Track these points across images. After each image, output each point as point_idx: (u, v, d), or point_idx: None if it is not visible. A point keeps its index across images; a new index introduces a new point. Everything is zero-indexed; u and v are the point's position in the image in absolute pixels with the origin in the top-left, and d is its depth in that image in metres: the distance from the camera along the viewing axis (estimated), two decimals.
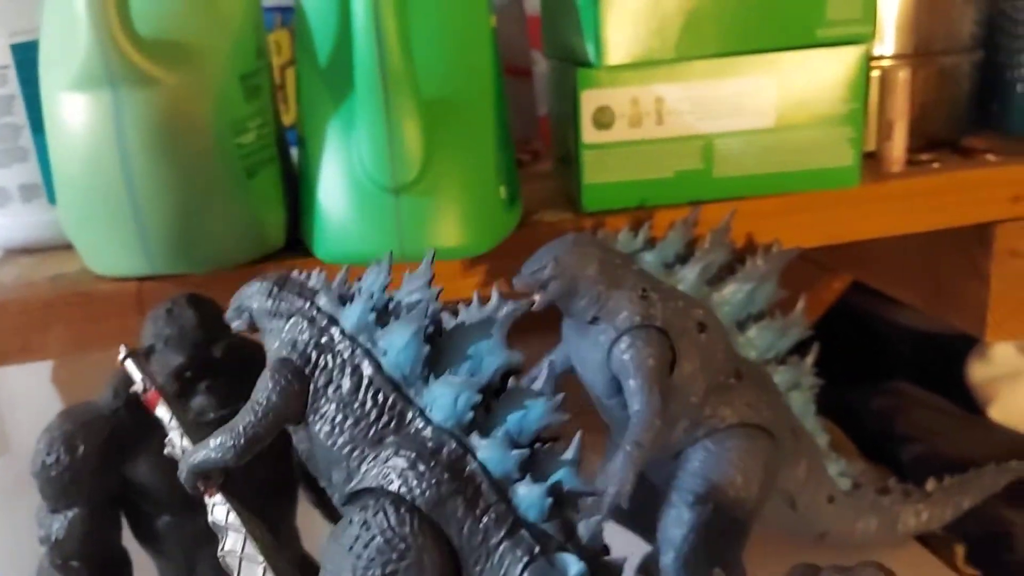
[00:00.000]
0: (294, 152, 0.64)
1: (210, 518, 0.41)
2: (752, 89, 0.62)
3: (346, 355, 0.43)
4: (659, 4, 0.60)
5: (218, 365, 0.50)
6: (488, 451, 0.40)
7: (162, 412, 0.46)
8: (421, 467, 0.39)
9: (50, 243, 0.65)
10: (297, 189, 0.62)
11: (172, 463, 0.50)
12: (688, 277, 0.60)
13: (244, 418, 0.43)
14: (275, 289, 0.45)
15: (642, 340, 0.57)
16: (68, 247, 0.63)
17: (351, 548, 0.39)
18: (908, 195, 0.68)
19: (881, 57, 0.73)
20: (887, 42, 0.73)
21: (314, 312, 0.44)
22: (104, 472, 0.49)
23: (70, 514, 0.49)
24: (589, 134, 0.62)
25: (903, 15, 0.73)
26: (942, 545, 0.73)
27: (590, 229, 0.60)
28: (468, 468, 0.40)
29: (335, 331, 0.43)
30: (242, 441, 0.42)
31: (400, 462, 0.40)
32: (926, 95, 0.74)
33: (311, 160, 0.56)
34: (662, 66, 0.61)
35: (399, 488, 0.39)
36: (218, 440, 0.42)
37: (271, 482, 0.53)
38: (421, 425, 0.41)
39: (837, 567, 0.40)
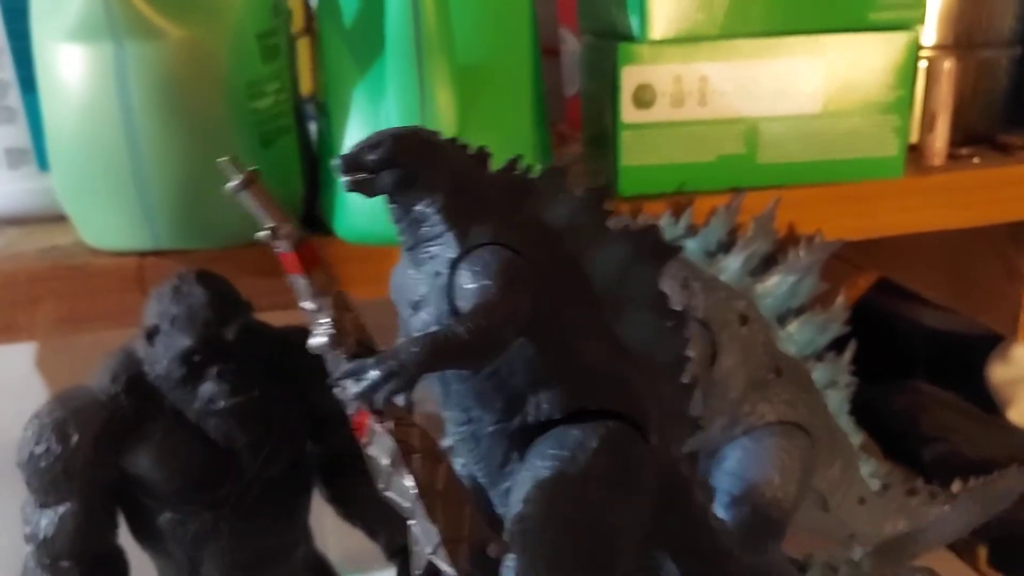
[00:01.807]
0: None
1: (369, 451, 0.31)
2: (799, 72, 0.59)
3: None
4: None
5: (230, 348, 0.45)
6: None
7: (303, 283, 0.34)
8: None
9: (39, 213, 0.60)
10: (314, 162, 0.57)
11: (179, 454, 0.46)
12: (731, 266, 0.57)
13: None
14: None
15: None
16: (60, 218, 0.58)
17: None
18: (949, 189, 0.66)
19: (922, 48, 0.70)
20: (928, 33, 0.70)
21: None
22: (99, 464, 0.45)
23: (61, 509, 0.45)
24: (629, 113, 0.58)
25: (945, 6, 0.70)
26: (965, 547, 0.73)
27: (627, 214, 0.56)
28: None
29: None
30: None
31: None
32: (965, 88, 0.71)
33: (334, 131, 0.52)
34: (707, 43, 0.57)
35: None
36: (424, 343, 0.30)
37: (287, 478, 0.49)
38: None
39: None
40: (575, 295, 0.34)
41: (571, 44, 0.78)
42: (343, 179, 0.33)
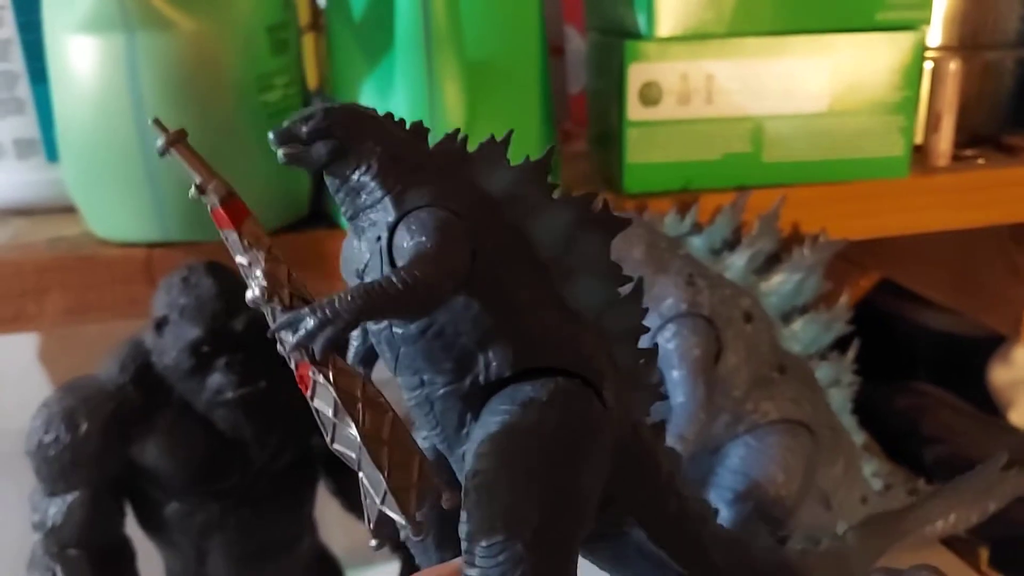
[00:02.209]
0: None
1: (315, 404, 0.30)
2: (806, 71, 0.59)
3: None
4: None
5: (238, 339, 0.45)
6: None
7: (234, 238, 0.32)
8: None
9: (46, 204, 0.60)
10: None
11: (186, 444, 0.46)
12: (736, 264, 0.57)
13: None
14: None
15: (688, 329, 0.54)
16: (67, 209, 0.58)
17: None
18: (954, 190, 0.66)
19: (928, 49, 0.70)
20: (934, 34, 0.70)
21: None
22: (108, 453, 0.45)
23: (69, 498, 0.45)
24: (635, 111, 0.58)
25: (951, 7, 0.70)
26: (966, 548, 0.73)
27: (634, 211, 0.57)
28: None
29: None
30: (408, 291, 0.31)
31: None
32: (970, 89, 0.71)
33: None
34: (714, 41, 0.58)
35: None
36: (355, 294, 0.30)
37: (293, 470, 0.49)
38: None
39: (889, 569, 0.39)
40: (519, 258, 0.34)
41: (575, 42, 0.79)
42: (279, 152, 0.32)
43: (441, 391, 0.33)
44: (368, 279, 0.32)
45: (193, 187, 0.32)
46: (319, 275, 0.54)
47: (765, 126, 0.59)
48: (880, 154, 0.61)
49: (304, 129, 0.32)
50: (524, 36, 0.53)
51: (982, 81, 0.73)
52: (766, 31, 0.58)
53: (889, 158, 0.61)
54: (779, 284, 0.58)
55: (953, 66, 0.66)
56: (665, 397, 0.41)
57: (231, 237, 0.32)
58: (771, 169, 0.60)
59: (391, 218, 0.33)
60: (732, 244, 0.58)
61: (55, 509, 0.45)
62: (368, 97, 0.51)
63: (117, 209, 0.51)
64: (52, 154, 0.59)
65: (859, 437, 0.64)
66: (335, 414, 0.29)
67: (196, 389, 0.45)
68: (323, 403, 0.30)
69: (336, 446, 0.29)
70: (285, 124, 0.33)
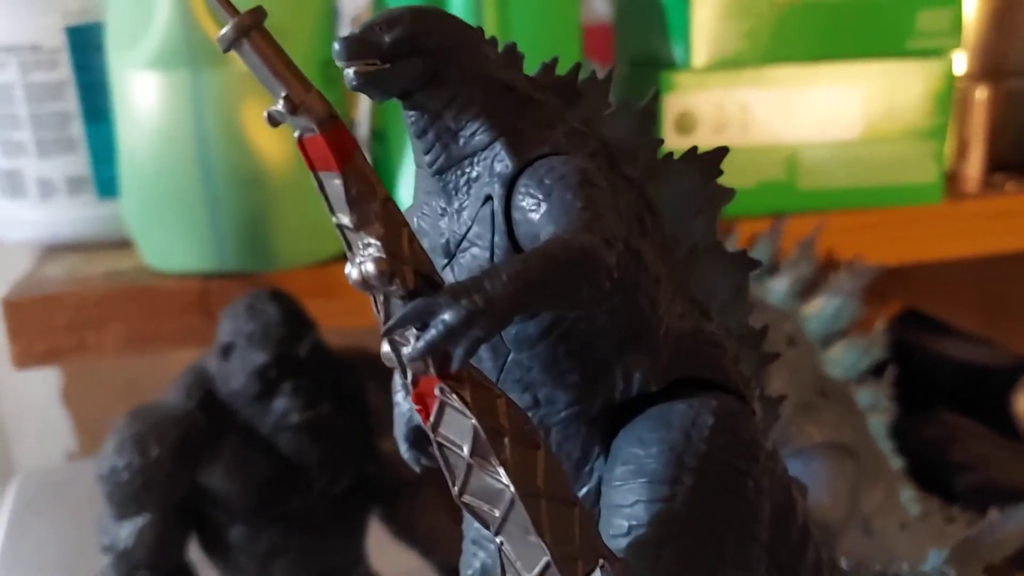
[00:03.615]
0: None
1: (440, 434, 0.22)
2: (838, 98, 0.60)
3: None
4: (750, 6, 0.58)
5: (302, 364, 0.46)
6: None
7: (337, 185, 0.22)
8: None
9: (97, 239, 0.62)
10: None
11: (250, 468, 0.47)
12: (776, 289, 0.58)
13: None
14: None
15: None
16: (118, 244, 0.60)
17: None
18: (985, 216, 0.67)
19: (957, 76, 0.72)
20: (960, 62, 0.72)
21: None
22: (177, 477, 0.46)
23: (140, 521, 0.46)
24: (671, 139, 0.59)
25: (977, 35, 0.72)
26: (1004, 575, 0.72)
27: None
28: None
29: None
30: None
31: None
32: (997, 116, 0.73)
33: (392, 155, 0.54)
34: (749, 71, 0.59)
35: None
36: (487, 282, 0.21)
37: (351, 496, 0.50)
38: None
39: None
40: (649, 234, 0.26)
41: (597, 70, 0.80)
42: (348, 70, 0.24)
43: (563, 413, 0.26)
44: (473, 251, 0.25)
45: (278, 106, 0.22)
46: (366, 310, 0.55)
47: (799, 154, 0.61)
48: (913, 180, 0.63)
49: (387, 38, 0.24)
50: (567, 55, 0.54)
51: (1009, 108, 0.74)
52: (799, 60, 0.59)
53: (922, 184, 0.63)
54: (819, 309, 0.59)
55: (980, 94, 0.68)
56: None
57: (332, 182, 0.22)
58: (806, 196, 0.61)
59: (508, 168, 0.24)
60: (771, 269, 0.59)
61: (126, 532, 0.46)
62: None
63: (176, 240, 0.52)
64: (103, 191, 0.60)
65: (896, 463, 0.64)
66: (473, 452, 0.22)
67: (261, 414, 0.46)
68: (454, 435, 0.22)
69: (468, 498, 0.22)
70: (357, 30, 0.24)
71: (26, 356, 0.52)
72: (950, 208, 0.65)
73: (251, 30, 0.22)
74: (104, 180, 0.60)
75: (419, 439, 0.30)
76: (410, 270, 0.22)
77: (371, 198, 0.22)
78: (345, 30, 0.71)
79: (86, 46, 0.58)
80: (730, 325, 0.28)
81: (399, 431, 0.31)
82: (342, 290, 0.55)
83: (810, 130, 0.61)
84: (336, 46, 0.24)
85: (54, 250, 0.62)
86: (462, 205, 0.25)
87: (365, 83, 0.24)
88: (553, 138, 0.25)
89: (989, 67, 0.72)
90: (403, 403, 0.31)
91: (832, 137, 0.61)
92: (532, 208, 0.24)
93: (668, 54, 0.60)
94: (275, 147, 0.50)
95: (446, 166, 0.25)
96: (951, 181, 0.68)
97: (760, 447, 0.26)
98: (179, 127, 0.49)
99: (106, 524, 0.46)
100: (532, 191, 0.24)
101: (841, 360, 0.60)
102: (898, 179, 0.62)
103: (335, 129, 0.22)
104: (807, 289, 0.59)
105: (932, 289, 0.84)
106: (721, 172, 0.28)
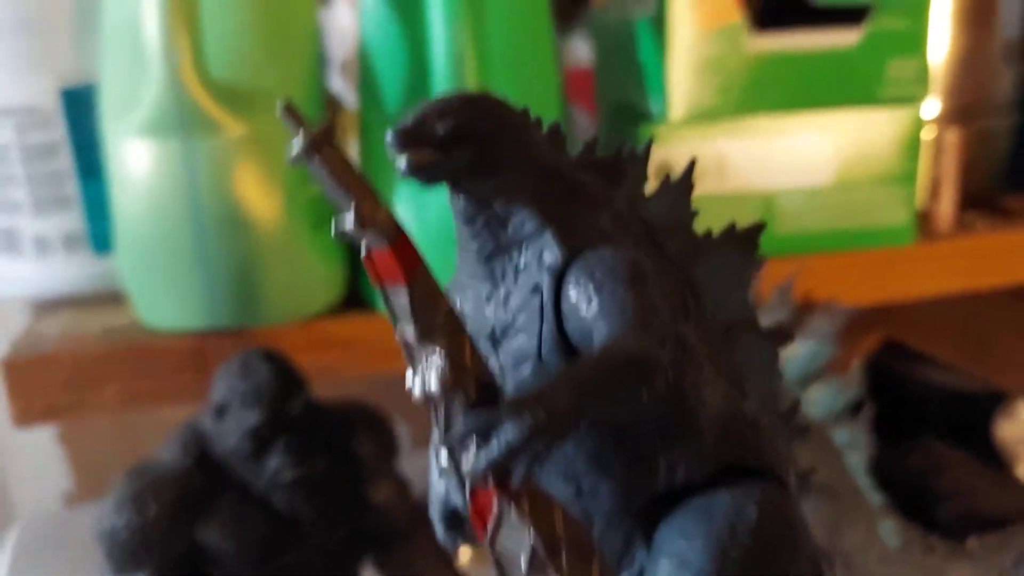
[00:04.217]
0: None
1: (498, 543, 0.22)
2: (812, 146, 0.62)
3: None
4: (724, 61, 0.59)
5: (294, 422, 0.48)
6: None
7: (403, 299, 0.23)
8: None
9: (91, 295, 0.63)
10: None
11: (246, 524, 0.48)
12: None
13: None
14: None
15: None
16: (112, 299, 0.61)
17: None
18: (958, 255, 0.69)
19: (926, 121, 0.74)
20: (931, 105, 0.74)
21: None
22: (175, 535, 0.47)
23: None
24: (650, 188, 0.61)
25: (946, 80, 0.74)
26: None
27: None
28: None
29: None
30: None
31: None
32: (967, 156, 0.75)
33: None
34: (724, 122, 0.61)
35: None
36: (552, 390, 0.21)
37: (346, 548, 0.51)
38: None
39: None
40: (691, 316, 0.26)
41: (580, 118, 0.82)
42: (400, 159, 0.24)
43: (606, 504, 0.25)
44: (519, 339, 0.25)
45: (344, 220, 0.22)
46: (356, 362, 0.57)
47: (776, 200, 0.63)
48: (886, 223, 0.64)
49: (439, 128, 0.24)
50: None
51: (978, 147, 0.76)
52: (773, 110, 0.61)
53: (894, 226, 0.65)
54: (795, 352, 0.60)
55: (951, 137, 0.70)
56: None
57: (398, 295, 0.22)
58: (783, 241, 0.63)
59: (558, 259, 0.25)
60: None
61: None
62: (404, 187, 0.54)
63: (170, 299, 0.54)
64: (98, 246, 0.62)
65: (875, 498, 0.65)
66: (531, 566, 0.22)
67: (256, 471, 0.48)
68: (512, 547, 0.22)
69: None
70: (409, 120, 0.24)
71: (26, 414, 0.54)
72: (923, 248, 0.67)
73: (323, 145, 0.22)
74: (99, 236, 0.62)
75: (456, 521, 0.30)
76: (472, 381, 0.22)
77: (435, 310, 0.22)
78: (335, 79, 0.74)
79: (80, 107, 0.59)
80: (764, 400, 0.28)
81: (435, 513, 0.31)
82: (331, 343, 0.57)
83: (785, 177, 0.62)
84: (389, 136, 0.24)
85: (49, 305, 0.63)
86: (509, 292, 0.26)
87: (417, 171, 0.24)
88: (601, 225, 0.25)
89: (958, 110, 0.74)
90: (438, 484, 0.30)
91: (807, 183, 0.63)
92: (583, 302, 0.24)
93: (646, 106, 0.62)
94: (265, 208, 0.52)
95: (494, 253, 0.26)
96: (925, 221, 0.70)
97: (801, 535, 0.26)
98: (172, 191, 0.51)
99: None
100: (582, 284, 0.24)
101: (818, 401, 0.61)
102: (871, 222, 0.64)
103: (403, 243, 0.23)
104: None
105: (909, 324, 0.86)
106: (759, 248, 0.29)
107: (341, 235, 0.23)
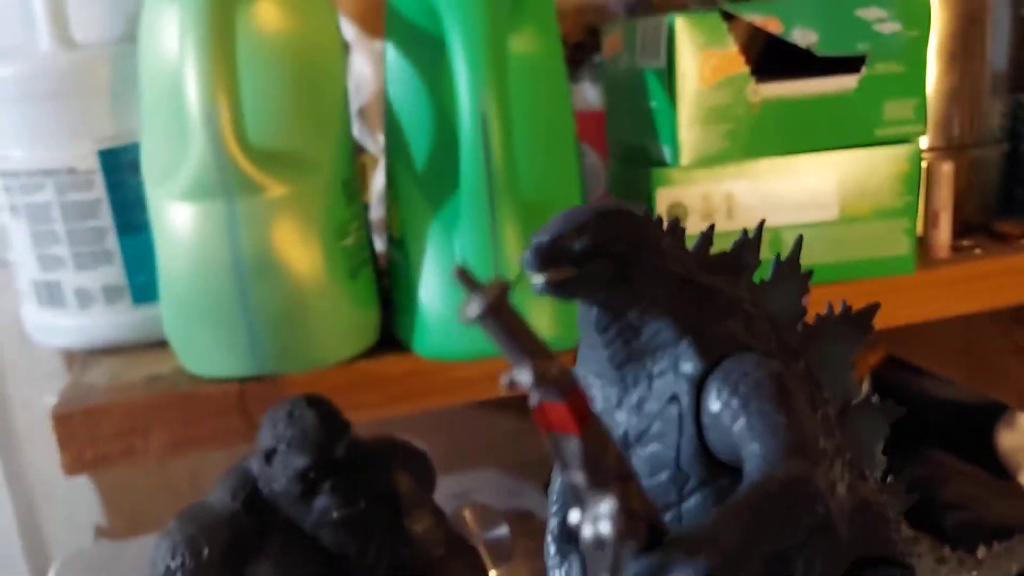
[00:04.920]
0: None
1: None
2: (816, 185, 0.65)
3: None
4: (730, 108, 0.63)
5: (339, 464, 0.50)
6: None
7: (575, 447, 0.23)
8: None
9: (132, 343, 0.66)
10: (381, 282, 0.64)
11: (295, 563, 0.51)
12: None
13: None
14: None
15: None
16: (152, 346, 0.64)
17: None
18: (956, 280, 0.72)
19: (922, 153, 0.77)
20: (925, 137, 0.77)
21: None
22: (228, 575, 0.50)
23: None
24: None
25: (938, 111, 0.77)
26: None
27: None
28: None
29: None
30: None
31: None
32: (961, 184, 0.78)
33: (411, 260, 0.58)
34: (732, 165, 0.64)
35: None
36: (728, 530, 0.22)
37: None
38: None
39: None
40: (818, 410, 0.26)
41: (590, 157, 0.85)
42: (537, 278, 0.25)
43: None
44: (653, 447, 0.25)
45: (521, 376, 0.22)
46: (393, 402, 0.60)
47: (782, 235, 0.66)
48: (887, 254, 0.67)
49: (576, 245, 0.24)
50: (567, 173, 0.60)
51: (970, 175, 0.79)
52: (777, 153, 0.64)
53: (896, 257, 0.67)
54: None
55: (946, 168, 0.73)
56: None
57: (569, 444, 0.23)
58: None
59: (696, 370, 0.25)
60: None
61: None
62: (435, 237, 0.57)
63: (214, 350, 0.56)
64: (137, 298, 0.65)
65: None
66: None
67: (303, 512, 0.50)
68: None
69: None
70: (546, 238, 0.24)
71: (77, 464, 0.56)
72: (923, 275, 0.70)
73: (500, 307, 0.22)
74: (138, 288, 0.65)
75: None
76: (644, 525, 0.22)
77: (606, 458, 0.23)
78: (354, 127, 0.77)
79: (117, 167, 0.62)
80: (878, 476, 0.28)
81: None
82: (368, 384, 0.60)
83: (791, 214, 0.66)
84: (527, 255, 0.25)
85: (94, 354, 0.66)
86: (643, 399, 0.26)
87: (555, 289, 0.25)
88: (735, 331, 0.26)
89: (951, 141, 0.77)
90: (556, 571, 0.30)
91: (811, 219, 0.66)
92: (728, 417, 0.24)
93: (658, 149, 0.65)
94: (303, 261, 0.55)
95: (627, 360, 0.26)
96: (923, 248, 0.73)
97: None
98: (214, 248, 0.53)
99: None
100: (726, 398, 0.24)
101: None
102: (874, 253, 0.67)
103: (577, 396, 0.23)
104: None
105: (910, 344, 0.89)
106: (872, 328, 0.28)
107: (513, 387, 0.23)
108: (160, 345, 0.62)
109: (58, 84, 0.61)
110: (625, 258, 0.25)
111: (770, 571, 0.25)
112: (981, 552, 0.72)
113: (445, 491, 0.64)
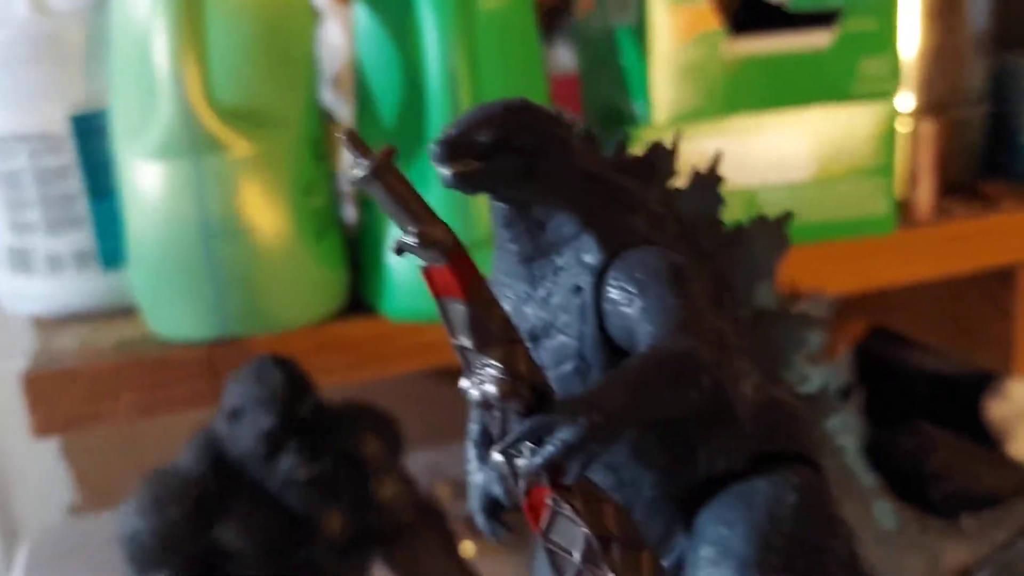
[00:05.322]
0: None
1: (550, 540, 0.23)
2: (792, 143, 0.65)
3: None
4: (703, 65, 0.62)
5: (304, 424, 0.50)
6: None
7: (460, 311, 0.23)
8: None
9: (103, 309, 0.65)
10: (352, 246, 0.63)
11: (261, 523, 0.51)
12: None
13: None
14: None
15: None
16: (122, 312, 0.64)
17: None
18: (939, 241, 0.71)
19: (903, 113, 0.76)
20: (908, 98, 0.76)
21: None
22: (194, 536, 0.49)
23: None
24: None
25: (918, 72, 0.76)
26: None
27: None
28: None
29: None
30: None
31: None
32: (944, 145, 0.77)
33: (378, 221, 0.58)
34: (706, 123, 0.63)
35: None
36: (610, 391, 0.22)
37: (357, 545, 0.54)
38: None
39: None
40: (726, 309, 0.27)
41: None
42: (444, 171, 0.25)
43: (648, 494, 0.26)
44: (560, 338, 0.26)
45: (407, 238, 0.23)
46: (361, 365, 0.60)
47: (758, 196, 0.65)
48: (866, 214, 0.67)
49: (482, 138, 0.24)
50: None
51: (953, 137, 0.78)
52: (752, 110, 0.64)
53: (875, 217, 0.67)
54: None
55: (927, 128, 0.72)
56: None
57: (455, 307, 0.23)
58: None
59: (597, 260, 0.25)
60: None
61: None
62: None
63: (182, 312, 0.56)
64: (108, 263, 0.64)
65: (869, 480, 0.68)
66: (584, 558, 0.23)
67: (269, 472, 0.50)
68: (565, 542, 0.23)
69: None
70: (453, 131, 0.25)
71: (46, 426, 0.56)
72: (904, 236, 0.69)
73: (385, 170, 0.23)
74: (108, 253, 0.64)
75: (495, 510, 0.30)
76: (527, 387, 0.23)
77: (490, 321, 0.23)
78: (327, 93, 0.76)
79: (89, 132, 0.62)
80: (795, 385, 0.29)
81: (475, 503, 0.31)
82: (336, 347, 0.59)
83: (767, 173, 0.65)
84: (433, 147, 0.25)
85: (64, 320, 0.66)
86: (549, 293, 0.26)
87: (461, 182, 0.25)
88: (637, 225, 0.26)
89: (933, 102, 0.76)
90: (477, 476, 0.30)
91: (788, 178, 0.65)
92: (625, 303, 0.25)
93: (631, 110, 0.64)
94: (271, 221, 0.54)
95: (534, 255, 0.26)
96: (905, 209, 0.72)
97: (839, 520, 0.26)
98: (182, 208, 0.53)
99: None
100: (624, 285, 0.25)
101: (808, 387, 0.64)
102: (852, 213, 0.67)
103: (461, 259, 0.23)
104: None
105: (893, 308, 0.88)
106: (788, 237, 0.29)
107: (400, 252, 0.23)
108: (130, 311, 0.62)
109: (34, 50, 0.61)
110: (532, 153, 0.25)
111: (674, 462, 0.26)
112: (966, 521, 0.71)
113: (420, 465, 0.64)
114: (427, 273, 0.23)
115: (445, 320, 0.24)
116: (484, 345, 0.23)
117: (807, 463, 0.27)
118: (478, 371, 0.23)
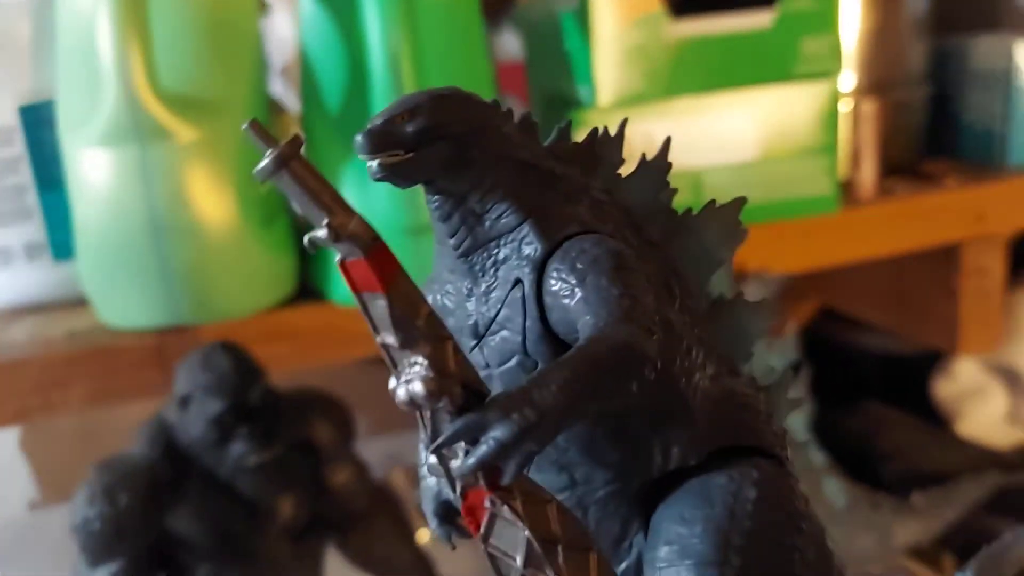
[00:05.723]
0: None
1: (491, 544, 0.22)
2: (736, 124, 0.66)
3: None
4: (646, 47, 0.63)
5: (254, 410, 0.50)
6: None
7: (382, 306, 0.22)
8: None
9: (54, 300, 0.65)
10: (300, 233, 0.63)
11: (212, 510, 0.51)
12: None
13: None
14: None
15: None
16: (74, 304, 0.63)
17: None
18: (881, 220, 0.72)
19: (845, 93, 0.78)
20: (849, 79, 0.78)
21: None
22: (145, 523, 0.50)
23: (113, 567, 0.49)
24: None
25: (860, 53, 0.78)
26: (932, 557, 0.76)
27: None
28: None
29: None
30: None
31: None
32: (886, 125, 0.78)
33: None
34: (651, 105, 0.64)
35: None
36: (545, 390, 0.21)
37: (309, 531, 0.54)
38: None
39: None
40: (676, 299, 0.26)
41: (514, 107, 0.85)
42: (371, 163, 0.24)
43: (601, 492, 0.25)
44: (503, 334, 0.25)
45: (319, 232, 0.22)
46: (311, 352, 0.60)
47: (703, 177, 0.66)
48: (810, 193, 0.68)
49: (409, 128, 0.23)
50: None
51: (895, 117, 0.80)
52: (696, 91, 0.65)
53: (818, 197, 0.68)
54: None
55: (869, 108, 0.74)
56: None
57: (376, 303, 0.22)
58: None
59: (538, 251, 0.24)
60: None
61: None
62: (347, 180, 0.57)
63: (130, 300, 0.56)
64: (59, 254, 0.64)
65: (818, 457, 0.69)
66: (526, 563, 0.21)
67: (219, 458, 0.50)
68: (507, 546, 0.22)
69: None
70: (378, 122, 0.24)
71: None
72: (847, 215, 0.71)
73: (291, 160, 0.22)
74: (59, 244, 0.64)
75: (448, 514, 0.29)
76: (457, 385, 0.21)
77: (415, 317, 0.22)
78: (276, 84, 0.76)
79: (38, 123, 0.62)
80: (755, 374, 0.28)
81: (427, 507, 0.30)
82: (285, 334, 0.59)
83: (711, 154, 0.66)
84: (359, 139, 0.24)
85: (15, 312, 0.65)
86: (490, 287, 0.25)
87: (390, 174, 0.24)
88: (579, 214, 0.25)
89: (874, 82, 0.78)
90: (429, 478, 0.29)
91: (732, 159, 0.66)
92: (565, 294, 0.24)
93: (576, 94, 0.65)
94: (217, 208, 0.55)
95: (472, 248, 0.25)
96: (848, 189, 0.74)
97: (803, 515, 0.26)
98: (128, 196, 0.53)
99: (81, 571, 0.50)
100: (564, 276, 0.24)
101: (756, 365, 0.65)
102: (796, 193, 0.68)
103: (379, 251, 0.22)
104: None
105: (845, 287, 0.90)
106: (741, 223, 0.29)
107: (314, 246, 0.22)
108: (81, 302, 0.62)
109: None
110: (463, 141, 0.24)
111: (627, 458, 0.25)
112: (916, 499, 0.73)
113: (376, 452, 0.64)
114: (344, 267, 0.22)
115: (367, 317, 0.22)
116: (409, 342, 0.22)
117: (769, 456, 0.26)
118: (404, 370, 0.22)
